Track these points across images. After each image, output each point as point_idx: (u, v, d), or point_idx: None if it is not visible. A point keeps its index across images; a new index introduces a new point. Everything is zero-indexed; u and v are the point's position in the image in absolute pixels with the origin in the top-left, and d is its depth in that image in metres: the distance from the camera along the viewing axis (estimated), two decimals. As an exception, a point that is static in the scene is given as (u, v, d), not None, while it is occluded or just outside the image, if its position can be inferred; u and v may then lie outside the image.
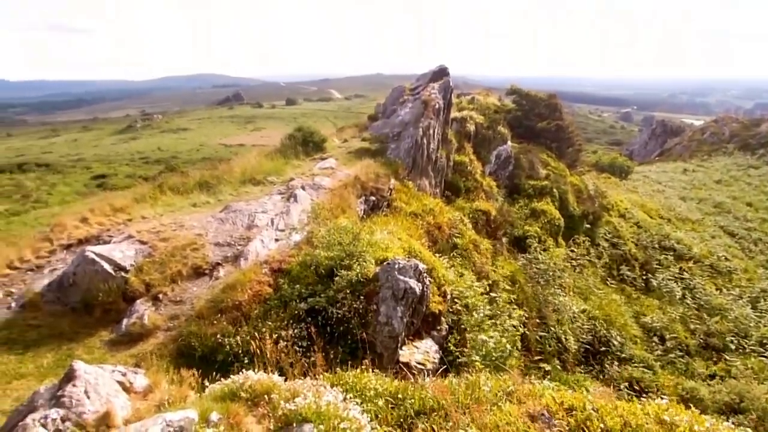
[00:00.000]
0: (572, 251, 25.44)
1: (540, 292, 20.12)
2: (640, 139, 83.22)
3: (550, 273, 21.05)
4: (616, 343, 19.86)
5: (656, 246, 31.80)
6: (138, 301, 11.34)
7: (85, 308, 11.33)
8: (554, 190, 28.56)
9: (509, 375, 8.78)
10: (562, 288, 21.00)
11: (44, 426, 5.90)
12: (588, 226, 29.62)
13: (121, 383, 7.30)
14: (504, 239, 23.12)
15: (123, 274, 11.74)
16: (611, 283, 26.18)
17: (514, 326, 13.68)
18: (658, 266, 29.44)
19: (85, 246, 12.77)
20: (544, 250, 23.01)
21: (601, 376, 18.06)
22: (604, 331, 20.26)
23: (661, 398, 6.64)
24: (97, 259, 11.75)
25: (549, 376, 14.94)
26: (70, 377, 6.57)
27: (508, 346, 11.99)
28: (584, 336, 19.44)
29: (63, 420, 6.02)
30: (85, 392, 6.37)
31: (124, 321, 10.84)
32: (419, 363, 11.65)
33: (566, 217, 27.70)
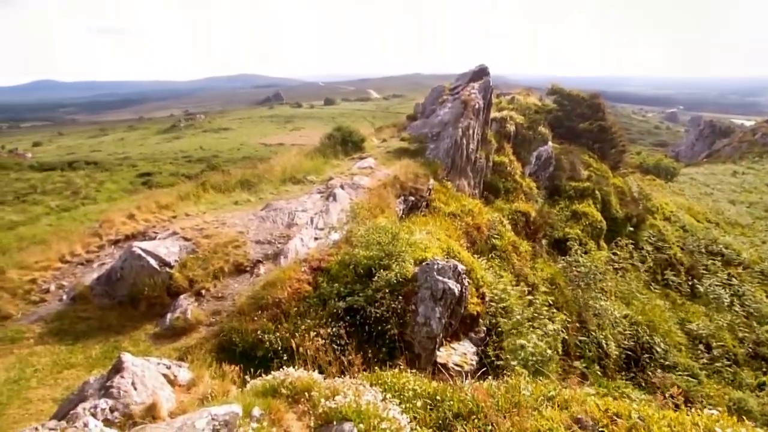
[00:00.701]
0: (614, 255, 24.84)
1: (580, 295, 19.71)
2: (687, 140, 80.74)
3: (591, 276, 20.59)
4: (659, 350, 19.28)
5: (703, 251, 30.77)
6: (181, 296, 11.62)
7: (131, 302, 11.68)
8: (596, 191, 27.96)
9: (550, 380, 8.63)
10: (604, 292, 20.53)
11: (94, 415, 6.10)
12: (631, 229, 28.88)
13: (165, 376, 7.49)
14: (544, 241, 22.76)
15: (168, 269, 12.05)
16: (655, 288, 25.44)
17: (554, 330, 13.44)
18: (704, 272, 28.48)
19: (132, 242, 13.16)
20: (585, 252, 22.53)
21: (643, 384, 17.58)
22: (647, 338, 19.69)
23: (709, 408, 6.40)
24: (144, 254, 12.09)
25: (589, 382, 14.63)
26: (118, 369, 6.79)
27: (548, 350, 11.79)
28: (626, 342, 18.95)
29: (112, 410, 6.22)
30: (133, 384, 6.56)
31: (168, 315, 11.12)
32: (456, 365, 11.58)
33: (608, 220, 27.08)
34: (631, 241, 27.16)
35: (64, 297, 11.87)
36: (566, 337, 15.91)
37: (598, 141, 34.22)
